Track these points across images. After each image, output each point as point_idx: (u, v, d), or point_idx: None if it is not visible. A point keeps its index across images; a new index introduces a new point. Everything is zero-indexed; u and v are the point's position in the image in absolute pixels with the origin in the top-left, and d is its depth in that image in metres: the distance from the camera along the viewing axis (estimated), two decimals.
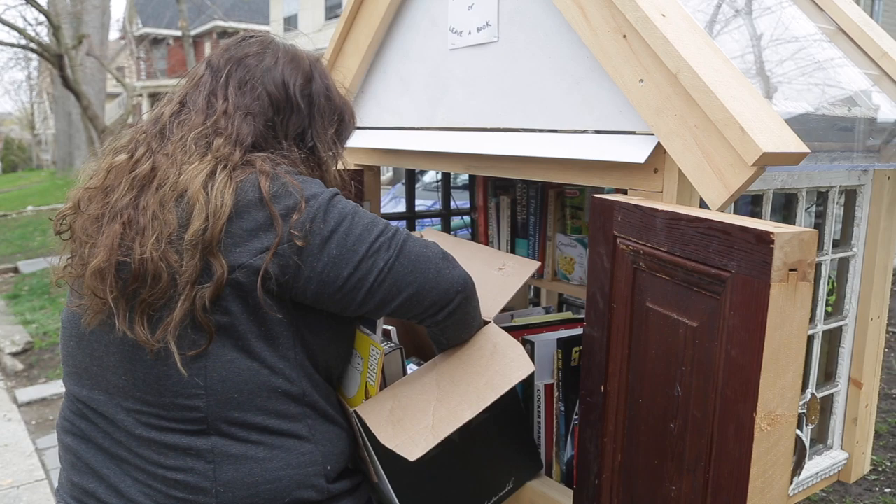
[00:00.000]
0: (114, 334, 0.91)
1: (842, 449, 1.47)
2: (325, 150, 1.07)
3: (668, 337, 0.91)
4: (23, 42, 9.22)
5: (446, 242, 1.36)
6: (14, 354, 4.46)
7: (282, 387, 0.94)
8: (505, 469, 1.25)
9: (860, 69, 1.31)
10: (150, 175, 0.93)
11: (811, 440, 1.43)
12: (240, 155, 0.94)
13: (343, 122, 1.12)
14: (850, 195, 1.38)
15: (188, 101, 1.01)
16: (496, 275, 1.23)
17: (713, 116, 0.93)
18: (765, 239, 0.74)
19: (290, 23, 18.62)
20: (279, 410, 0.94)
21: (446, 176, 2.29)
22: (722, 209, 0.95)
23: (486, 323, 1.11)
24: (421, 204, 2.80)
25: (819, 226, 1.33)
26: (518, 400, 1.30)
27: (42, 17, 8.91)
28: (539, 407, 1.32)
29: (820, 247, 1.33)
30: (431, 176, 6.22)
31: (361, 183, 1.78)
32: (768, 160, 0.89)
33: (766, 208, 1.20)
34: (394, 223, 1.00)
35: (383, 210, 1.98)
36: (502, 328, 1.09)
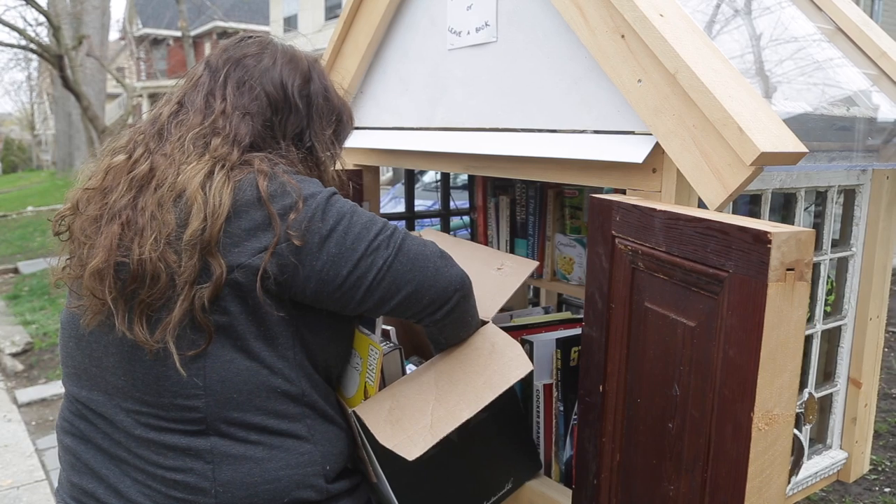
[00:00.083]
0: (113, 335, 0.91)
1: (841, 448, 1.47)
2: (322, 151, 1.07)
3: (667, 337, 0.91)
4: (23, 43, 9.22)
5: (445, 242, 1.36)
6: (14, 355, 4.46)
7: (281, 387, 0.94)
8: (504, 469, 1.25)
9: (859, 69, 1.31)
10: (149, 175, 0.93)
11: (810, 440, 1.43)
12: (238, 155, 0.95)
13: (341, 122, 1.12)
14: (849, 195, 1.38)
15: (186, 101, 1.01)
16: (495, 274, 1.23)
17: (711, 116, 0.93)
18: (762, 239, 0.74)
19: (290, 23, 18.62)
20: (278, 410, 0.94)
21: (445, 176, 2.29)
22: (720, 209, 0.95)
23: (484, 323, 1.11)
24: (421, 204, 2.80)
25: (818, 225, 1.33)
26: (517, 400, 1.30)
27: (42, 18, 8.91)
28: (538, 407, 1.32)
29: (819, 246, 1.33)
30: (431, 176, 6.23)
31: (360, 183, 1.78)
32: (766, 160, 0.89)
33: (765, 208, 1.20)
34: (393, 223, 1.00)
35: (383, 210, 1.98)
36: (501, 328, 1.09)
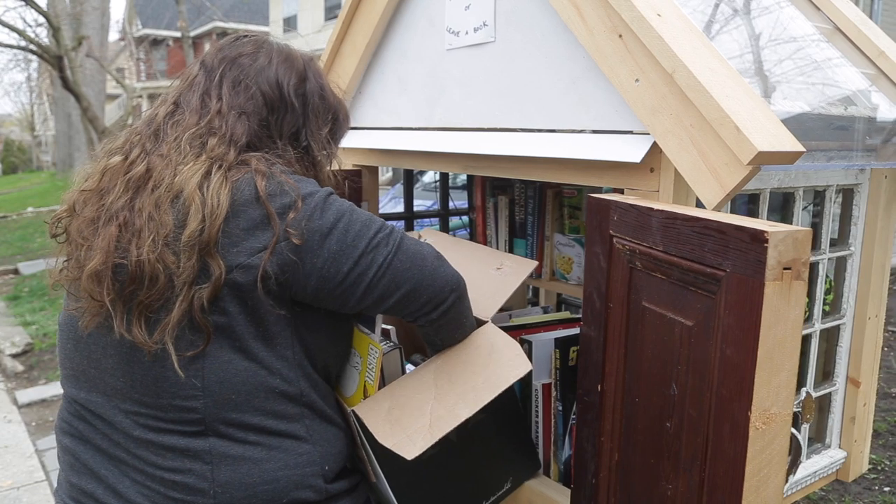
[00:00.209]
0: (111, 336, 0.91)
1: (840, 448, 1.47)
2: (319, 150, 1.07)
3: (664, 336, 0.92)
4: (22, 44, 9.22)
5: (444, 242, 1.37)
6: (14, 356, 4.46)
7: (279, 387, 0.94)
8: (503, 468, 1.25)
9: (857, 68, 1.31)
10: (146, 176, 0.93)
11: (809, 439, 1.43)
12: (234, 155, 0.95)
13: (337, 121, 1.12)
14: (848, 194, 1.38)
15: (182, 101, 1.01)
16: (494, 274, 1.23)
17: (708, 116, 0.93)
18: (759, 238, 0.74)
19: (290, 24, 18.62)
20: (277, 411, 0.94)
21: (444, 176, 2.29)
22: (718, 208, 0.95)
23: (483, 322, 1.11)
24: (420, 204, 2.80)
25: (817, 225, 1.33)
26: (516, 399, 1.30)
27: (42, 19, 8.91)
28: (537, 406, 1.32)
29: (817, 246, 1.33)
30: (430, 176, 6.23)
31: (359, 183, 1.78)
32: (764, 159, 0.89)
33: (763, 207, 1.21)
34: (392, 223, 1.01)
35: (383, 210, 1.98)
36: (500, 328, 1.09)
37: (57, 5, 10.33)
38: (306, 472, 0.95)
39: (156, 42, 22.16)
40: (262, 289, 0.89)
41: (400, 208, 2.20)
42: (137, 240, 0.88)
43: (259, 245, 0.89)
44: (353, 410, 1.04)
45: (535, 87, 1.24)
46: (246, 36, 1.08)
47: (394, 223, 1.01)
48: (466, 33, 1.37)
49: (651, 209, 0.93)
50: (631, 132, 1.09)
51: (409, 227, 2.16)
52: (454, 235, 2.03)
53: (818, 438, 1.47)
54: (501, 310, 1.30)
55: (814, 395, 1.36)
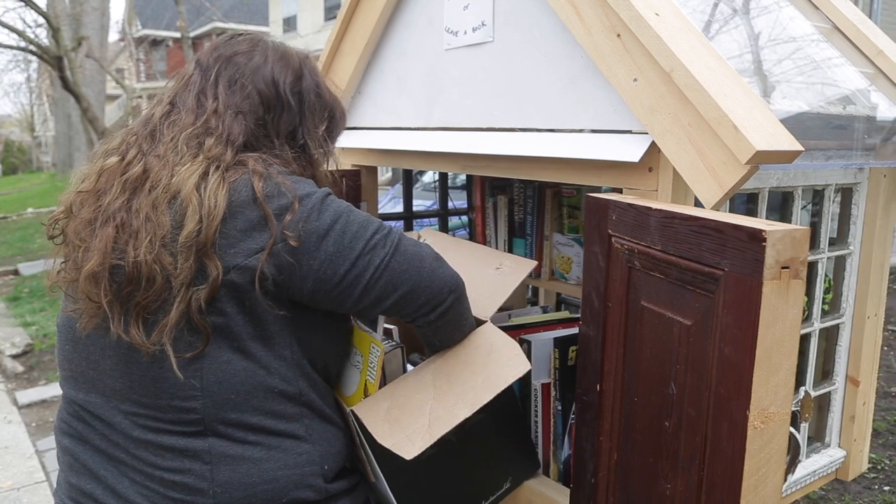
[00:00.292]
0: (110, 338, 0.91)
1: (839, 447, 1.47)
2: (315, 148, 1.06)
3: (663, 335, 0.92)
4: (22, 44, 9.22)
5: (444, 242, 1.37)
6: (14, 356, 4.46)
7: (278, 386, 0.94)
8: (502, 468, 1.25)
9: (857, 68, 1.31)
10: (142, 177, 0.92)
11: (808, 438, 1.43)
12: (231, 155, 0.94)
13: (333, 119, 1.12)
14: (847, 193, 1.38)
15: (178, 101, 1.00)
16: (493, 274, 1.23)
17: (707, 115, 0.93)
18: (757, 237, 0.74)
19: (290, 24, 18.62)
20: (276, 410, 0.94)
21: (444, 176, 2.29)
22: (716, 208, 0.95)
23: (482, 322, 1.11)
24: (420, 204, 2.80)
25: (815, 224, 1.33)
26: (515, 399, 1.30)
27: (41, 20, 8.90)
28: (536, 406, 1.32)
29: (816, 245, 1.33)
30: (430, 176, 6.23)
31: (358, 183, 1.78)
32: (762, 158, 0.89)
33: (762, 206, 1.21)
34: (391, 223, 1.00)
35: (382, 210, 1.98)
36: (499, 327, 1.09)
37: (56, 6, 10.33)
38: (306, 471, 0.95)
39: (155, 42, 22.16)
40: (259, 289, 0.89)
41: (399, 208, 2.20)
42: (135, 241, 0.88)
43: (256, 246, 0.89)
44: (351, 410, 1.04)
45: (534, 86, 1.24)
46: (241, 35, 1.08)
47: (393, 223, 1.01)
48: (465, 33, 1.37)
49: (649, 208, 0.93)
50: (629, 132, 1.09)
51: (409, 227, 2.16)
52: (453, 235, 2.03)
53: (818, 437, 1.47)
54: (501, 309, 1.30)
55: (813, 394, 1.36)
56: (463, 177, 2.44)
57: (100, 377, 0.95)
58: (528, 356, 1.28)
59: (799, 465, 1.28)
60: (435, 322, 1.02)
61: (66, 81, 8.41)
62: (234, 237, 0.89)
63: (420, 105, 1.52)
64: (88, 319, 0.92)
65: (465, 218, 2.24)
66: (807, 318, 1.34)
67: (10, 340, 4.72)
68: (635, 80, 1.03)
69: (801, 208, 1.27)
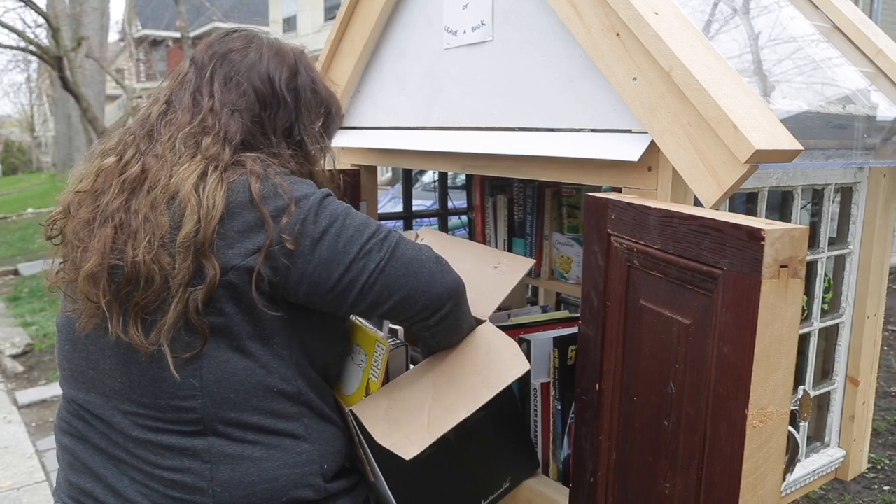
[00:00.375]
0: (109, 338, 0.91)
1: (839, 446, 1.47)
2: (312, 144, 1.05)
3: (662, 334, 0.92)
4: (22, 44, 9.22)
5: (442, 241, 1.36)
6: (14, 356, 4.46)
7: (277, 386, 0.94)
8: (502, 468, 1.25)
9: (857, 67, 1.31)
10: (141, 177, 0.92)
11: (808, 438, 1.43)
12: (230, 154, 0.94)
13: (330, 115, 1.11)
14: (847, 193, 1.38)
15: (174, 100, 1.00)
16: (492, 273, 1.23)
17: (706, 114, 0.93)
18: (756, 236, 0.74)
19: (290, 24, 18.62)
20: (275, 410, 0.94)
21: (443, 176, 2.29)
22: (716, 207, 0.95)
23: (481, 321, 1.11)
24: (420, 204, 2.80)
25: (815, 224, 1.33)
26: (515, 399, 1.30)
27: (41, 20, 8.90)
28: (536, 405, 1.32)
29: (816, 244, 1.33)
30: (430, 176, 6.23)
31: (358, 183, 1.78)
32: (761, 157, 0.89)
33: (762, 206, 1.20)
34: (391, 223, 1.00)
35: (382, 210, 1.98)
36: (499, 327, 1.09)
37: (56, 6, 10.33)
38: (305, 470, 0.95)
39: (155, 43, 22.15)
40: (256, 290, 0.89)
41: (399, 208, 2.20)
42: (133, 241, 0.88)
43: (253, 247, 0.89)
44: (350, 410, 1.04)
45: (534, 86, 1.24)
46: (236, 31, 1.07)
47: (393, 223, 1.01)
48: (464, 32, 1.37)
49: (648, 207, 0.93)
50: (629, 131, 1.09)
51: (409, 227, 2.16)
52: (453, 235, 2.03)
53: (817, 437, 1.46)
54: (500, 309, 1.30)
55: (812, 393, 1.36)
56: (462, 176, 2.44)
57: (99, 377, 0.95)
58: (528, 356, 1.28)
59: (798, 464, 1.28)
60: (434, 327, 1.02)
61: (65, 81, 8.41)
62: (232, 238, 0.89)
63: (419, 104, 1.52)
64: (88, 320, 0.92)
65: (464, 217, 2.24)
66: (806, 318, 1.34)
67: (10, 340, 4.72)
68: (635, 79, 1.03)
69: (801, 208, 1.27)
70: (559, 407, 1.30)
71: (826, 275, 1.36)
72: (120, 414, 0.94)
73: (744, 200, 1.26)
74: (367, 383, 1.08)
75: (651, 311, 0.94)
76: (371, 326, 1.09)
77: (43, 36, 9.64)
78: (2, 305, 5.88)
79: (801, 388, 1.26)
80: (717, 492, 0.81)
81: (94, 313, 0.91)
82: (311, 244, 0.91)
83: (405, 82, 1.56)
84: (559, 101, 1.20)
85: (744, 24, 1.26)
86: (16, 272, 7.28)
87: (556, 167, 1.24)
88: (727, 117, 0.90)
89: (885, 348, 4.07)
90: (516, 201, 1.92)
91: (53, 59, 8.31)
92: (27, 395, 3.82)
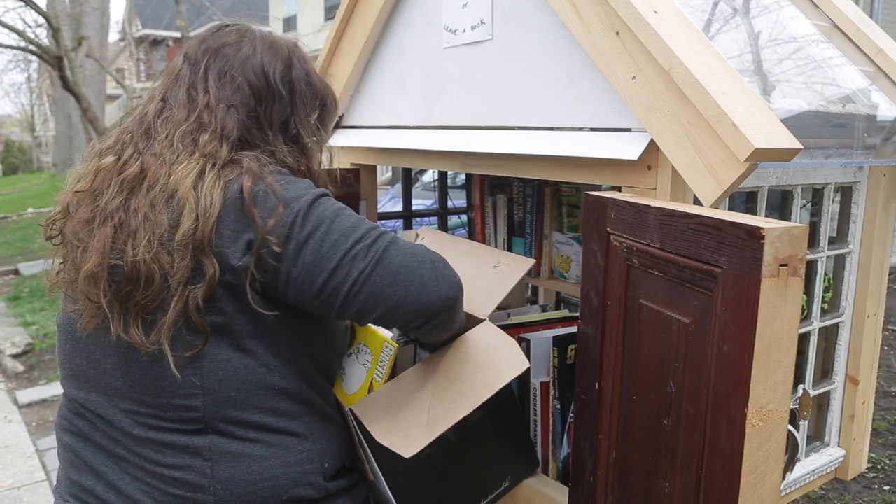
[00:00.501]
0: (110, 337, 0.91)
1: (839, 446, 1.46)
2: (308, 136, 1.04)
3: (661, 333, 0.91)
4: (22, 44, 9.21)
5: (442, 241, 1.36)
6: (14, 356, 4.46)
7: (278, 384, 0.94)
8: (501, 467, 1.25)
9: (857, 66, 1.31)
10: (140, 176, 0.92)
11: (808, 437, 1.43)
12: (227, 151, 0.94)
13: (325, 107, 1.10)
14: (846, 192, 1.37)
15: (169, 97, 0.99)
16: (491, 272, 1.23)
17: (705, 113, 0.93)
18: (755, 234, 0.74)
19: (290, 24, 18.62)
20: (276, 408, 0.94)
21: (443, 175, 2.29)
22: (715, 205, 0.95)
23: (481, 320, 1.11)
24: (420, 203, 2.79)
25: (815, 223, 1.33)
26: (514, 398, 1.30)
27: (41, 20, 8.90)
28: (535, 405, 1.32)
29: (816, 244, 1.33)
30: (430, 176, 6.23)
31: (358, 182, 1.78)
32: (760, 156, 0.89)
33: (761, 205, 1.20)
34: (391, 223, 0.99)
35: (382, 209, 1.98)
36: (498, 326, 1.09)
37: (57, 6, 10.32)
38: (306, 469, 0.95)
39: (156, 42, 22.15)
40: (250, 290, 0.88)
41: (399, 207, 2.20)
42: (133, 241, 0.88)
43: (245, 247, 0.88)
44: (350, 409, 1.04)
45: (533, 85, 1.24)
46: (228, 25, 1.06)
47: (393, 222, 1.00)
48: (464, 31, 1.37)
49: (648, 206, 0.92)
50: (629, 130, 1.09)
51: (409, 226, 2.15)
52: (453, 234, 2.03)
53: (817, 437, 1.46)
54: (500, 308, 1.29)
55: (812, 393, 1.36)
56: (462, 176, 2.44)
57: (101, 376, 0.95)
58: (527, 355, 1.28)
59: (798, 463, 1.27)
60: (427, 333, 1.00)
61: (66, 81, 8.41)
62: (228, 237, 0.88)
63: (419, 104, 1.52)
64: (89, 320, 0.92)
65: (464, 217, 2.24)
66: (806, 317, 1.34)
67: (10, 340, 4.72)
68: (634, 77, 1.03)
69: (801, 207, 1.27)
70: (559, 406, 1.30)
71: (826, 274, 1.36)
72: (121, 413, 0.94)
73: (743, 200, 1.26)
74: (371, 384, 1.08)
75: (651, 309, 0.94)
76: (380, 326, 1.09)
77: (43, 36, 9.63)
78: (2, 305, 5.88)
79: (800, 387, 1.26)
80: (717, 491, 0.81)
81: (95, 313, 0.91)
82: (295, 248, 0.89)
83: (405, 81, 1.56)
84: (559, 100, 1.20)
85: (744, 24, 1.26)
86: (16, 272, 7.28)
87: (556, 166, 1.24)
88: (726, 116, 0.90)
89: (885, 348, 4.07)
90: (516, 200, 1.92)
91: (54, 59, 8.31)
92: (27, 394, 3.82)
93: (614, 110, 1.11)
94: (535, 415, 1.32)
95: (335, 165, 1.80)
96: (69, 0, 11.03)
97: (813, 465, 1.40)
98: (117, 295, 0.89)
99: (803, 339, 1.34)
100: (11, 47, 9.60)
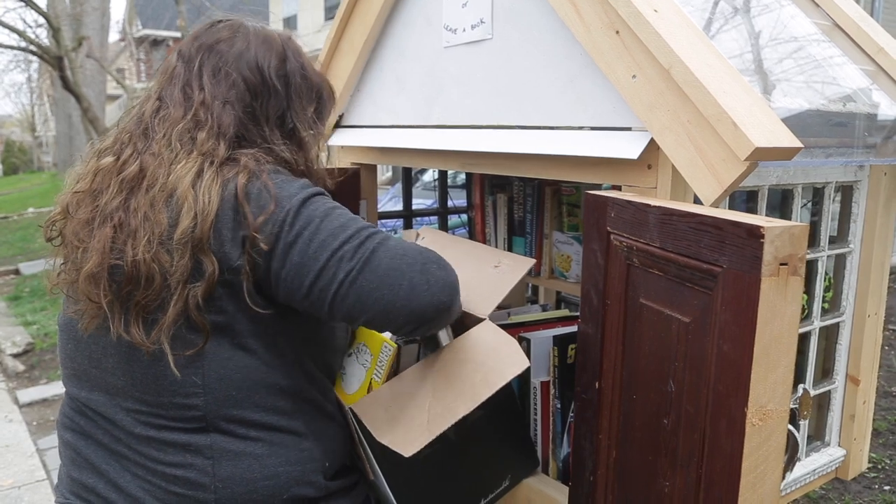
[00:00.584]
0: (110, 337, 0.91)
1: (839, 446, 1.46)
2: (305, 130, 1.04)
3: (662, 333, 0.91)
4: (23, 44, 9.21)
5: (442, 240, 1.36)
6: (15, 356, 4.47)
7: (279, 383, 0.94)
8: (501, 466, 1.25)
9: (858, 65, 1.31)
10: (139, 176, 0.92)
11: (808, 437, 1.43)
12: (225, 148, 0.93)
13: (321, 99, 1.09)
14: (847, 191, 1.37)
15: (165, 95, 0.99)
16: (491, 272, 1.23)
17: (705, 112, 0.93)
18: (755, 233, 0.74)
19: (290, 23, 18.62)
20: (277, 407, 0.94)
21: (443, 175, 2.29)
22: (715, 205, 0.95)
23: (481, 320, 1.11)
24: (421, 203, 2.79)
25: (816, 222, 1.33)
26: (514, 397, 1.30)
27: (42, 20, 8.90)
28: (535, 404, 1.32)
29: (816, 243, 1.33)
30: (430, 175, 6.23)
31: (358, 182, 1.78)
32: (761, 155, 0.89)
33: (762, 204, 1.20)
34: (391, 222, 0.99)
35: (382, 209, 1.98)
36: (498, 325, 1.09)
37: (57, 6, 10.33)
38: (307, 468, 0.96)
39: (156, 42, 22.14)
40: (246, 289, 0.88)
41: (399, 207, 2.20)
42: (133, 240, 0.88)
43: (240, 246, 0.88)
44: (350, 408, 1.04)
45: (533, 85, 1.24)
46: (221, 21, 1.05)
47: (393, 222, 0.99)
48: (464, 30, 1.37)
49: (648, 205, 0.92)
50: (629, 129, 1.09)
51: (409, 226, 2.15)
52: (453, 234, 2.03)
53: (817, 436, 1.46)
54: (500, 307, 1.29)
55: (813, 392, 1.36)
56: (462, 175, 2.44)
57: (102, 375, 0.95)
58: (528, 354, 1.28)
59: (798, 463, 1.27)
60: (421, 336, 1.00)
61: (66, 81, 8.41)
62: (225, 236, 0.88)
63: (419, 103, 1.52)
64: (90, 320, 0.92)
65: (464, 216, 2.24)
66: (807, 317, 1.34)
67: (10, 339, 4.73)
68: (634, 76, 1.03)
69: (801, 206, 1.27)
70: (559, 405, 1.30)
71: (826, 274, 1.36)
72: (122, 411, 0.94)
73: (744, 199, 1.25)
74: (370, 384, 1.08)
75: (651, 309, 0.94)
76: None
77: (43, 36, 9.64)
78: (3, 305, 5.89)
79: (800, 387, 1.26)
80: (717, 490, 0.81)
81: (96, 313, 0.91)
82: (283, 248, 0.88)
83: (405, 81, 1.56)
84: (559, 100, 1.20)
85: (744, 23, 1.26)
86: (17, 272, 7.29)
87: (556, 165, 1.24)
88: (727, 115, 0.90)
89: (886, 347, 4.07)
90: (516, 200, 1.92)
91: (54, 59, 8.31)
92: (28, 393, 3.83)
93: (614, 109, 1.11)
94: (536, 414, 1.32)
95: (335, 165, 1.80)
96: (69, 0, 11.03)
97: (813, 464, 1.40)
98: (118, 295, 0.89)
99: (804, 339, 1.34)
100: (12, 47, 9.61)
